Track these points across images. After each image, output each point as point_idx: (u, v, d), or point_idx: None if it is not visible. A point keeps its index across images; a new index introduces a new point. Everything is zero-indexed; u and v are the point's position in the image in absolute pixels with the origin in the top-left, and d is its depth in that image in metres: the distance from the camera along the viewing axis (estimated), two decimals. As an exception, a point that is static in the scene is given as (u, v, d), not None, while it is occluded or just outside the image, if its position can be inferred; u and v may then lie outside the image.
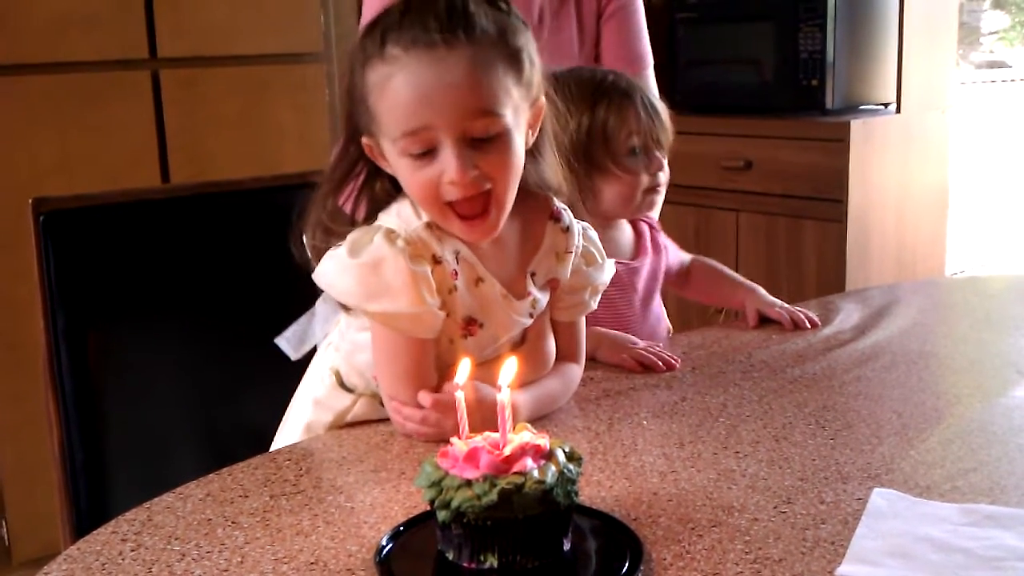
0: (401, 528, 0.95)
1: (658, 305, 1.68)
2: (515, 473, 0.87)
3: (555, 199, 1.27)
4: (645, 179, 1.56)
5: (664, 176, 1.58)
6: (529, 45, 1.16)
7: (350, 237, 1.16)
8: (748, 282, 1.72)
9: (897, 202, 3.15)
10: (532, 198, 1.24)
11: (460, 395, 0.93)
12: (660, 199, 1.60)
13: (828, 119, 3.09)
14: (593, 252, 1.30)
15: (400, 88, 1.09)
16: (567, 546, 0.91)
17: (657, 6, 3.68)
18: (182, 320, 1.46)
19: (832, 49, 3.10)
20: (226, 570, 0.90)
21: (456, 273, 1.18)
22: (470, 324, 1.21)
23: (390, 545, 0.92)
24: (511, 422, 0.92)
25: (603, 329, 1.49)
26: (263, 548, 0.94)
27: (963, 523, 0.96)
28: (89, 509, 1.39)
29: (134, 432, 1.43)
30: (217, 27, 2.63)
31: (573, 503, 0.91)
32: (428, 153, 1.10)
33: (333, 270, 1.16)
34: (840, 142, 2.99)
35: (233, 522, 0.99)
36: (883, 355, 1.46)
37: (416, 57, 1.09)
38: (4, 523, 2.53)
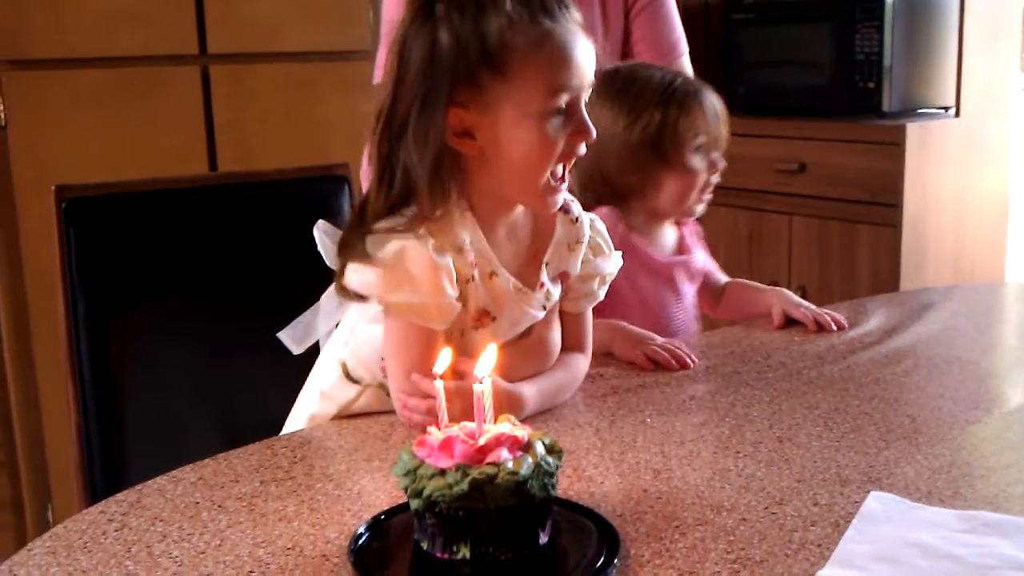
0: (382, 517, 0.95)
1: (693, 303, 1.70)
2: (489, 464, 0.87)
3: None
4: (703, 178, 1.60)
5: (715, 179, 1.63)
6: None
7: (374, 230, 1.17)
8: (772, 287, 1.70)
9: (955, 208, 3.08)
10: None
11: (440, 384, 0.92)
12: (706, 203, 1.64)
13: (884, 122, 3.03)
14: (600, 243, 1.32)
15: (562, 45, 1.14)
16: (544, 539, 0.90)
17: (714, 6, 3.65)
18: (200, 307, 1.48)
19: (889, 51, 3.03)
20: (203, 552, 0.90)
21: (474, 264, 1.18)
22: (483, 316, 1.21)
23: (367, 533, 0.92)
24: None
25: (620, 323, 1.48)
26: (243, 532, 0.94)
27: (959, 530, 0.93)
28: (106, 491, 1.40)
29: (151, 417, 1.45)
30: (266, 24, 2.65)
31: (550, 496, 0.90)
32: (560, 114, 1.15)
33: (357, 266, 1.16)
34: (896, 146, 2.93)
35: (219, 506, 1.00)
36: (906, 359, 1.43)
37: (563, 25, 1.15)
38: (50, 507, 2.58)
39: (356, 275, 1.16)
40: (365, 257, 1.15)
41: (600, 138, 1.56)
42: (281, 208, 1.51)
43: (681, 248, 1.69)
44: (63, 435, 2.45)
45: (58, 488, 2.56)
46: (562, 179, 1.19)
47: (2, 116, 2.42)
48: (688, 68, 2.00)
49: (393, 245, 1.14)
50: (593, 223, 1.31)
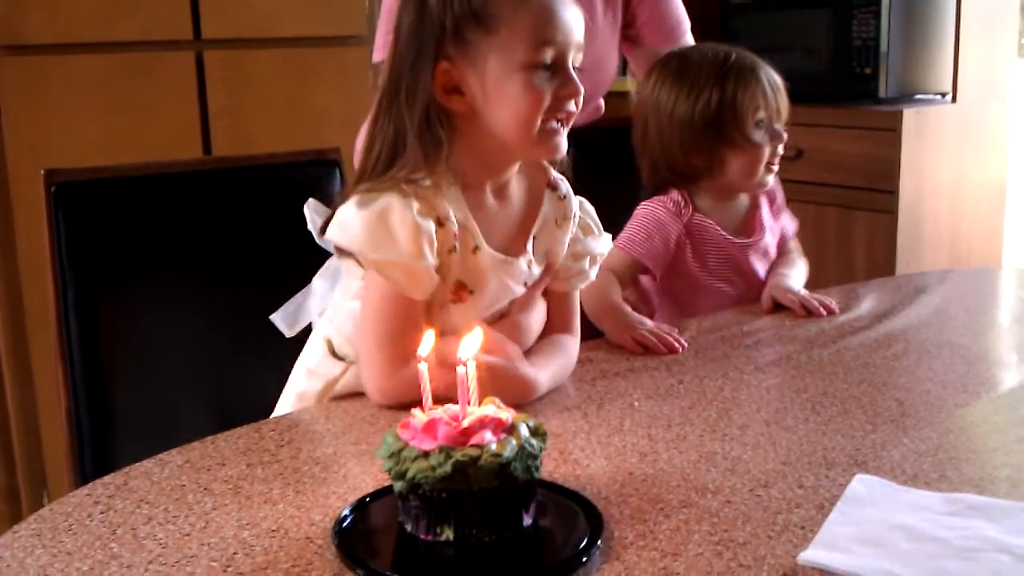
0: (367, 499, 0.95)
1: (761, 281, 1.71)
2: (472, 446, 0.87)
3: (550, 169, 1.31)
4: (768, 150, 1.63)
5: (781, 149, 1.67)
6: None
7: (360, 191, 1.19)
8: (773, 272, 1.70)
9: (951, 194, 3.07)
10: (534, 166, 1.29)
11: (424, 367, 0.92)
12: (775, 172, 1.69)
13: (881, 108, 3.02)
14: (590, 223, 1.34)
15: (545, 3, 1.17)
16: (527, 521, 0.90)
17: (712, -8, 3.64)
18: (190, 291, 1.48)
19: (886, 36, 3.02)
20: (188, 534, 0.91)
21: (456, 235, 1.19)
22: (460, 290, 1.22)
23: (351, 516, 0.92)
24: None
25: (616, 307, 1.48)
26: (229, 514, 0.94)
27: (943, 512, 0.93)
28: (96, 476, 1.40)
29: (142, 401, 1.45)
30: (261, 9, 2.64)
31: (534, 478, 0.90)
32: (547, 68, 1.17)
33: (343, 218, 1.18)
34: (892, 132, 2.92)
35: (205, 488, 1.00)
36: (896, 343, 1.43)
37: None
38: (46, 494, 2.58)
39: (340, 229, 1.18)
40: (351, 212, 1.17)
41: (662, 122, 1.67)
42: (272, 192, 1.51)
43: (753, 224, 1.71)
44: (58, 422, 2.46)
45: (53, 475, 2.56)
46: (559, 128, 1.20)
47: (-3, 102, 2.41)
48: (691, 43, 2.00)
49: (380, 201, 1.16)
50: (582, 204, 1.33)
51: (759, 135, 1.63)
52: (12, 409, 2.50)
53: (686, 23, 2.00)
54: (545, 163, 1.29)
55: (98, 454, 1.42)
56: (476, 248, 1.21)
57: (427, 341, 0.95)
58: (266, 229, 1.50)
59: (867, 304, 1.62)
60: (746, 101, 1.61)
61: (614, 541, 0.88)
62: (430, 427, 0.88)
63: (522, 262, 1.25)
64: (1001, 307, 1.73)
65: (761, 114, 1.63)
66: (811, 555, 0.86)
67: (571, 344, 1.33)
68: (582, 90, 1.18)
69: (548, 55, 1.16)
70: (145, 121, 2.54)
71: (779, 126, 1.66)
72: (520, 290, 1.26)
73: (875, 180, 2.98)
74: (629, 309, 1.49)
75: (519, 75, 1.16)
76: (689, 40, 2.01)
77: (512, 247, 1.25)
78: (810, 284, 1.68)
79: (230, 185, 1.52)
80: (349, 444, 1.10)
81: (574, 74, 1.19)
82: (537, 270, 1.28)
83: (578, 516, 0.91)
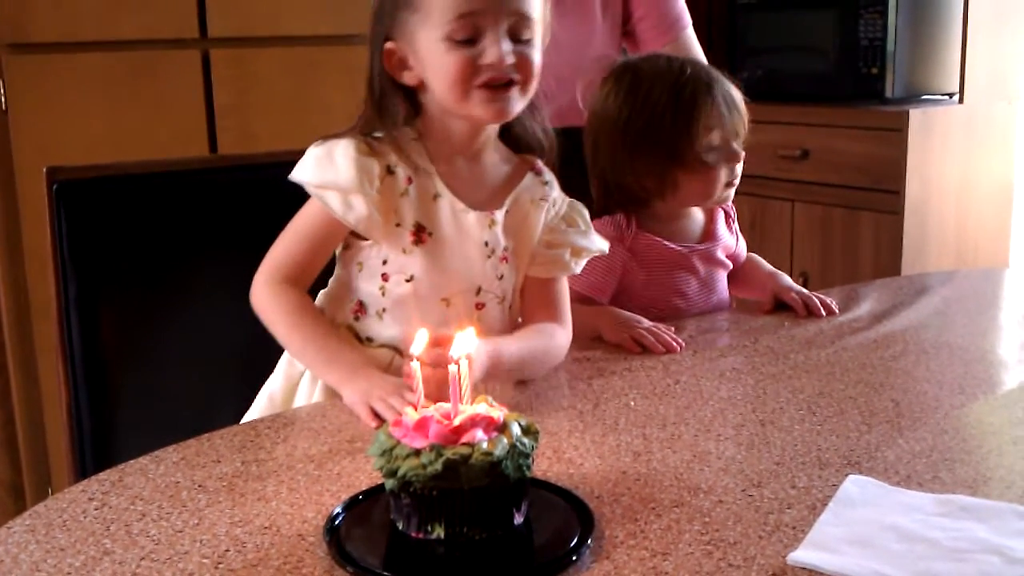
0: (360, 497, 0.96)
1: (722, 288, 1.67)
2: (463, 444, 0.87)
3: (539, 162, 1.36)
4: (724, 173, 1.55)
5: (740, 168, 1.59)
6: None
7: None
8: (770, 268, 1.70)
9: (958, 195, 3.07)
10: (519, 157, 1.36)
11: (416, 365, 0.92)
12: (734, 190, 1.61)
13: (887, 108, 3.02)
14: (578, 219, 1.37)
15: None
16: (519, 519, 0.90)
17: (719, -8, 3.64)
18: (192, 289, 1.48)
19: (893, 36, 3.02)
20: (181, 531, 0.91)
21: (410, 180, 1.26)
22: (420, 231, 1.26)
23: (343, 513, 0.92)
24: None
25: (609, 307, 1.48)
26: (222, 511, 0.95)
27: (935, 513, 0.94)
28: (96, 472, 1.42)
29: (142, 400, 1.46)
30: (267, 8, 2.64)
31: (525, 477, 0.90)
32: (469, 41, 1.21)
33: (303, 158, 1.28)
34: (899, 132, 2.92)
35: (200, 486, 1.00)
36: (895, 344, 1.43)
37: None
38: (50, 491, 2.59)
39: (297, 166, 1.27)
40: (308, 151, 1.28)
41: (613, 139, 1.58)
42: (274, 190, 1.51)
43: (707, 234, 1.65)
44: (60, 419, 2.47)
45: (58, 471, 2.57)
46: (496, 93, 1.22)
47: (3, 100, 2.42)
48: (693, 41, 1.99)
49: (331, 141, 1.27)
50: (575, 203, 1.38)
51: (712, 156, 1.53)
52: (17, 405, 2.51)
53: (686, 20, 1.99)
54: (533, 157, 1.35)
55: (99, 450, 1.43)
56: (437, 195, 1.27)
57: (420, 340, 0.95)
58: (268, 227, 1.50)
59: (867, 304, 1.62)
60: (699, 123, 1.52)
61: (605, 540, 0.88)
62: (422, 425, 0.88)
63: (484, 217, 1.29)
64: (1003, 308, 1.72)
65: (715, 135, 1.53)
66: (800, 555, 0.86)
67: (553, 330, 1.32)
68: (507, 59, 1.21)
69: (464, 28, 1.21)
70: (151, 119, 2.55)
71: (737, 144, 1.55)
72: (482, 245, 1.29)
73: (881, 180, 2.98)
74: (622, 310, 1.49)
75: (442, 46, 1.22)
76: (690, 36, 1.99)
77: (480, 204, 1.30)
78: (815, 285, 1.68)
79: (232, 183, 1.53)
80: (344, 442, 1.11)
81: (500, 43, 1.21)
82: (503, 239, 1.30)
83: (569, 515, 0.92)
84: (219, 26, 2.60)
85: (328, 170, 1.25)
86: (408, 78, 1.27)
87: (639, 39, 1.98)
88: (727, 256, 1.67)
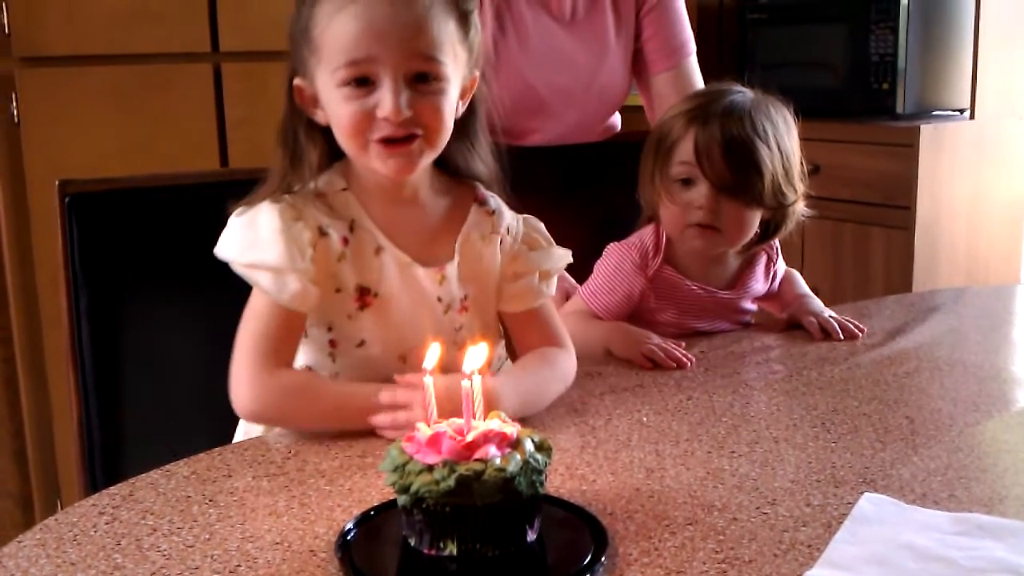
0: (372, 513, 0.95)
1: (740, 319, 1.64)
2: (476, 460, 0.86)
3: (480, 187, 1.28)
4: (690, 212, 1.48)
5: (725, 223, 1.48)
6: (476, 14, 1.20)
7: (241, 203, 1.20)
8: (802, 290, 1.66)
9: (969, 211, 3.05)
10: (459, 185, 1.27)
11: (429, 380, 0.92)
12: (710, 242, 1.51)
13: (898, 124, 3.01)
14: (537, 237, 1.30)
15: (352, 18, 1.11)
16: (532, 536, 0.90)
17: (729, 7, 3.64)
18: (202, 301, 1.47)
19: (904, 52, 3.01)
20: (192, 546, 0.90)
21: (346, 241, 1.18)
22: (363, 295, 1.20)
23: (355, 529, 0.92)
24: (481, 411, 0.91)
25: (620, 323, 1.47)
26: (233, 526, 0.94)
27: (952, 532, 0.93)
28: (106, 484, 1.41)
29: (153, 410, 1.45)
30: (278, 22, 2.63)
31: (538, 493, 0.89)
32: (366, 85, 1.12)
33: (226, 231, 1.19)
34: (910, 148, 2.91)
35: (211, 500, 1.00)
36: (908, 361, 1.42)
37: None
38: (59, 503, 2.59)
39: (221, 241, 1.19)
40: (229, 223, 1.19)
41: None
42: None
43: (738, 281, 1.59)
44: (72, 431, 2.47)
45: (67, 483, 2.57)
46: (393, 148, 1.14)
47: (16, 113, 2.43)
48: (695, 69, 1.99)
49: (252, 210, 1.18)
50: (527, 220, 1.31)
51: (677, 188, 1.49)
52: (27, 417, 2.51)
53: (690, 47, 1.98)
54: (473, 182, 1.27)
55: (109, 462, 1.42)
56: (379, 249, 1.20)
57: (432, 354, 0.95)
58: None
59: (880, 322, 1.61)
60: (677, 147, 1.48)
61: (618, 558, 0.88)
62: (434, 441, 0.88)
63: (434, 273, 1.21)
64: (1015, 325, 1.72)
65: (680, 168, 1.48)
66: (816, 574, 0.85)
67: (556, 355, 1.27)
68: (403, 112, 1.11)
69: (353, 73, 1.11)
70: (163, 133, 2.56)
71: (701, 191, 1.46)
72: (434, 298, 1.22)
73: (892, 196, 2.97)
74: (633, 327, 1.48)
75: (336, 94, 1.14)
76: (692, 65, 1.98)
77: (428, 256, 1.21)
78: (825, 301, 1.65)
79: (241, 196, 1.52)
80: (356, 457, 1.10)
81: (391, 93, 1.11)
82: (459, 290, 1.23)
83: (583, 532, 0.91)
84: (231, 40, 2.62)
85: (253, 247, 1.15)
86: (321, 117, 1.19)
87: (644, 60, 1.98)
88: (755, 300, 1.64)
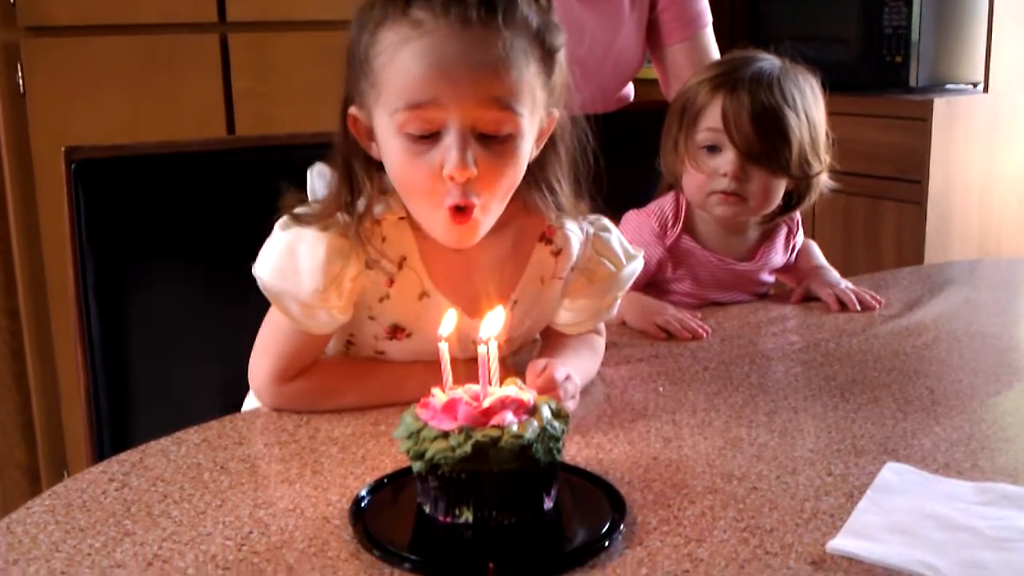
0: (385, 480, 0.93)
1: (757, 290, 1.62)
2: (493, 426, 0.85)
3: (553, 216, 1.13)
4: (716, 179, 1.46)
5: (751, 191, 1.46)
6: (563, 51, 1.06)
7: (298, 209, 1.09)
8: (818, 262, 1.64)
9: (981, 186, 3.03)
10: (527, 214, 1.12)
11: (444, 347, 0.90)
12: (733, 210, 1.49)
13: (911, 97, 2.98)
14: (603, 264, 1.18)
15: (418, 54, 0.97)
16: (548, 504, 0.88)
17: (740, -21, 3.60)
18: (210, 271, 1.46)
19: (918, 25, 2.98)
20: (203, 512, 0.89)
21: (391, 282, 1.09)
22: (396, 331, 1.12)
23: (369, 496, 0.90)
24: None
25: (633, 293, 1.45)
26: (245, 493, 0.93)
27: (976, 502, 0.91)
28: (114, 455, 1.40)
29: (161, 380, 1.44)
30: (286, -8, 2.63)
31: (555, 461, 0.88)
32: (427, 137, 0.99)
33: (267, 247, 1.10)
34: (923, 121, 2.88)
35: (222, 467, 0.98)
36: (927, 332, 1.40)
37: (446, 26, 0.97)
38: (66, 474, 2.58)
39: (261, 255, 1.09)
40: (273, 233, 1.09)
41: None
42: (294, 172, 1.49)
43: (757, 253, 1.57)
44: (78, 401, 2.46)
45: (74, 454, 2.56)
46: (463, 215, 1.01)
47: (21, 83, 2.41)
48: (711, 40, 1.96)
49: (293, 231, 1.07)
50: (598, 238, 1.18)
51: (703, 155, 1.47)
52: (34, 390, 2.50)
53: (707, 18, 1.95)
54: (546, 206, 1.12)
55: (116, 433, 1.41)
56: (424, 294, 1.10)
57: (448, 321, 0.92)
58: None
59: (896, 293, 1.59)
60: (703, 111, 1.46)
61: (637, 526, 0.86)
62: (450, 407, 0.86)
63: (480, 321, 0.95)
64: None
65: (705, 133, 1.46)
66: (840, 543, 0.83)
67: (599, 343, 1.26)
68: (466, 167, 0.97)
69: (415, 126, 0.98)
70: (169, 104, 2.53)
71: (727, 158, 1.45)
72: (473, 347, 0.93)
73: (904, 170, 2.94)
74: (647, 297, 1.46)
75: (394, 141, 1.00)
76: (708, 35, 1.95)
77: (476, 307, 1.03)
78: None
79: (252, 164, 1.50)
80: (368, 424, 1.08)
81: (457, 149, 0.97)
82: (503, 333, 1.01)
83: (600, 500, 0.89)
84: (237, 10, 2.59)
85: (288, 277, 1.05)
86: (375, 152, 1.06)
87: (659, 31, 1.95)
88: (772, 271, 1.62)
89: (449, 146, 0.98)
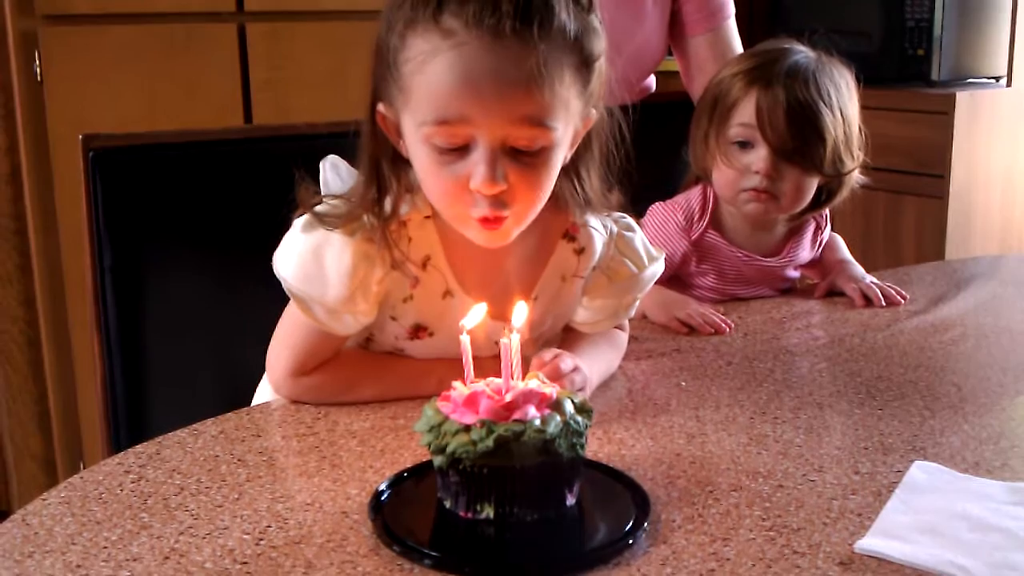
0: (404, 475, 0.92)
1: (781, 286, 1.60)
2: (515, 420, 0.83)
3: (577, 213, 1.11)
4: (747, 176, 1.44)
5: (783, 189, 1.43)
6: (603, 53, 1.01)
7: (320, 207, 1.06)
8: (843, 256, 1.62)
9: (1004, 180, 3.00)
10: (553, 211, 1.08)
11: (466, 339, 0.88)
12: (764, 208, 1.45)
13: (933, 91, 2.95)
14: (624, 264, 1.16)
15: (447, 68, 0.93)
16: (571, 500, 0.87)
17: (762, -28, 3.57)
18: (227, 259, 1.45)
19: (940, 18, 2.95)
20: (220, 505, 0.88)
21: (416, 282, 1.07)
22: (418, 330, 1.11)
23: (388, 491, 0.89)
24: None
25: (655, 287, 1.43)
26: (263, 486, 0.91)
27: (1008, 502, 0.89)
28: (130, 444, 1.39)
29: (176, 369, 1.43)
30: (304, -18, 2.62)
31: (579, 456, 0.86)
32: (455, 150, 0.96)
33: (287, 236, 1.08)
34: (945, 115, 2.85)
35: (239, 460, 0.97)
36: (953, 328, 1.38)
37: (477, 37, 0.92)
38: (82, 465, 2.58)
39: (279, 254, 1.08)
40: (293, 232, 1.07)
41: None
42: (312, 162, 1.48)
43: (783, 250, 1.55)
44: (95, 392, 2.46)
45: (90, 445, 2.56)
46: (494, 223, 0.99)
47: (39, 71, 2.40)
48: (734, 32, 1.94)
49: (318, 235, 1.05)
50: (622, 238, 1.16)
51: (734, 150, 1.44)
52: (50, 380, 2.50)
53: (729, 9, 1.93)
54: (574, 200, 1.09)
55: (132, 421, 1.40)
56: (448, 293, 1.08)
57: (476, 313, 0.91)
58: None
59: (921, 288, 1.57)
60: (736, 106, 1.43)
61: (661, 524, 0.85)
62: (472, 400, 0.84)
63: (503, 324, 0.94)
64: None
65: (736, 129, 1.43)
66: (869, 543, 0.82)
67: (621, 338, 1.24)
68: (494, 183, 0.94)
69: (443, 140, 0.95)
70: (186, 93, 2.52)
71: (760, 155, 1.42)
72: (495, 346, 0.98)
73: (926, 164, 2.91)
74: (669, 291, 1.44)
75: (421, 148, 0.98)
76: (731, 28, 1.93)
77: (500, 308, 1.00)
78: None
79: (269, 154, 1.49)
80: (387, 418, 1.07)
81: (486, 164, 0.94)
82: (526, 331, 1.00)
83: (624, 497, 0.88)
84: (256, 0, 2.58)
85: (314, 281, 1.04)
86: (404, 150, 1.02)
87: (681, 22, 1.93)
88: (797, 268, 1.60)
89: (478, 161, 0.95)
